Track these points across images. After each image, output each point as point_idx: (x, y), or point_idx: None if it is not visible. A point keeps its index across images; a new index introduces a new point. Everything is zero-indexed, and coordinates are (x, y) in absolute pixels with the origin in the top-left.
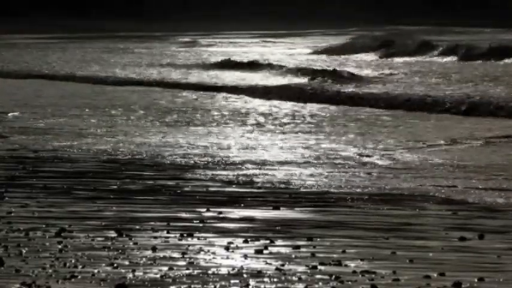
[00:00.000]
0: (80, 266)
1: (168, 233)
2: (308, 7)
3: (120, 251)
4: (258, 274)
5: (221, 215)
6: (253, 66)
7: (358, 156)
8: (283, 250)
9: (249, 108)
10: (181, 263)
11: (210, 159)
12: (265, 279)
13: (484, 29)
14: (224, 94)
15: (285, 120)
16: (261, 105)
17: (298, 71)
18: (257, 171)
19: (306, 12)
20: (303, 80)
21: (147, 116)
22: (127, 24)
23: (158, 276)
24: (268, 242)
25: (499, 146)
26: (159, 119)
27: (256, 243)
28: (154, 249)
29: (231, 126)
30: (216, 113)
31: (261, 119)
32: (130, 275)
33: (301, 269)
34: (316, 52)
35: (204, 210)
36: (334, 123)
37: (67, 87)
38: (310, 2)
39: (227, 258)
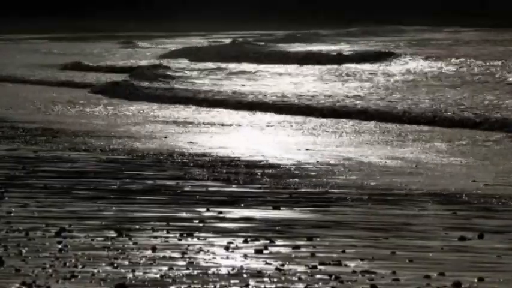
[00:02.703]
0: (80, 266)
1: (167, 232)
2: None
3: (120, 251)
4: (258, 274)
5: (221, 215)
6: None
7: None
8: (283, 250)
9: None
10: (181, 262)
11: None
12: (265, 279)
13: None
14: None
15: None
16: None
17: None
18: None
19: (306, 13)
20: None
21: None
22: (127, 24)
23: (158, 276)
24: (268, 242)
25: None
26: None
27: (256, 243)
28: (154, 249)
29: None
30: None
31: None
32: (130, 275)
33: (301, 268)
34: (163, 55)
35: (204, 210)
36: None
37: None
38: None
39: (227, 258)
